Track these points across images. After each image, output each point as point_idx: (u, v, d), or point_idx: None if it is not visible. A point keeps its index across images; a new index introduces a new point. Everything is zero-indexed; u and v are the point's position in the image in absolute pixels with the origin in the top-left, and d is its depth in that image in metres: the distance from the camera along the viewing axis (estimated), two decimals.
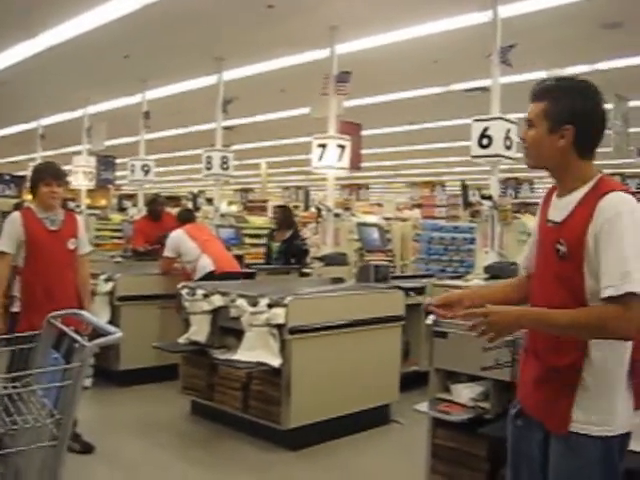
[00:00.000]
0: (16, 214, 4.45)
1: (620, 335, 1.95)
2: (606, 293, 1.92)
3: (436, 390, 3.79)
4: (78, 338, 2.15)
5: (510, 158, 6.20)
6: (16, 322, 4.24)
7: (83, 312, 2.59)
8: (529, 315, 2.10)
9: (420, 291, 6.35)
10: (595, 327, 1.95)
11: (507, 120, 6.18)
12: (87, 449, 4.59)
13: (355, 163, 8.55)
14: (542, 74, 6.68)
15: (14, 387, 2.27)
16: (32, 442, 2.12)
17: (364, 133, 9.26)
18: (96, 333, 2.21)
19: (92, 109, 12.90)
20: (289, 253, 8.31)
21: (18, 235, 4.34)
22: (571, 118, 2.04)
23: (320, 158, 7.83)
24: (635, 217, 1.96)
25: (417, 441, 4.11)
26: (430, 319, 3.74)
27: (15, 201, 11.07)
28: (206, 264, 6.49)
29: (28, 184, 5.27)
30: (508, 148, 6.15)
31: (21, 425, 2.14)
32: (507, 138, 6.12)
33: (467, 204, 12.34)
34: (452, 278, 7.17)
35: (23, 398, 2.25)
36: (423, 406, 3.81)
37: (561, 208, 2.11)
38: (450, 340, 3.64)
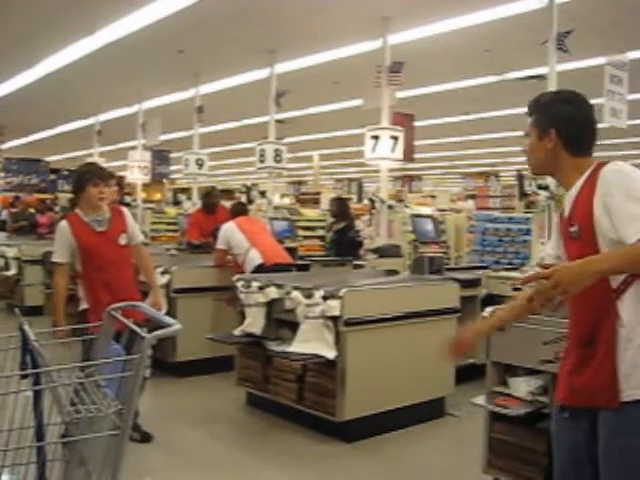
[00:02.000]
0: (64, 224, 4.52)
1: None
2: (636, 237, 2.01)
3: (493, 383, 3.75)
4: (138, 330, 2.19)
5: None
6: (85, 320, 4.35)
7: (142, 304, 2.64)
8: (595, 259, 2.08)
9: (475, 283, 6.27)
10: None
11: None
12: (146, 438, 4.69)
13: (408, 154, 8.49)
14: (600, 60, 6.49)
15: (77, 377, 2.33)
16: (95, 431, 2.17)
17: (417, 124, 9.19)
18: (155, 324, 2.25)
19: (147, 104, 13.10)
20: (342, 244, 8.31)
21: (69, 243, 4.46)
22: (553, 122, 2.33)
23: (373, 150, 7.80)
24: (636, 171, 2.14)
25: (473, 435, 4.08)
26: (487, 311, 3.69)
27: (70, 196, 11.24)
28: (255, 257, 6.53)
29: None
30: None
31: (84, 414, 2.18)
32: None
33: (523, 194, 12.13)
34: (508, 270, 7.08)
35: (86, 388, 2.30)
36: (480, 399, 3.76)
37: (569, 200, 2.31)
38: (508, 333, 3.57)
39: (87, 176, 4.52)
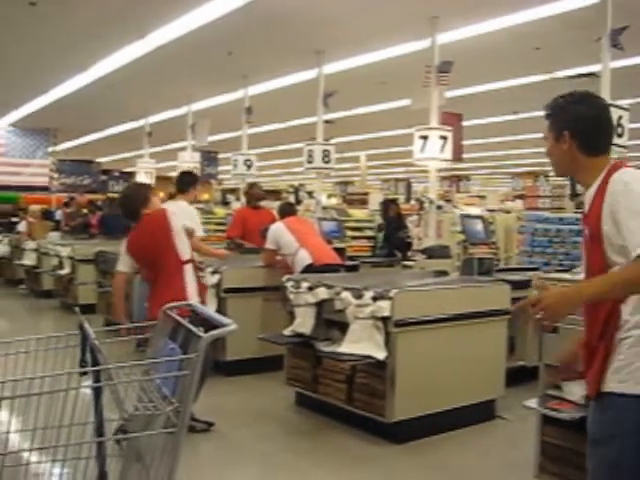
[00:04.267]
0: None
1: None
2: (637, 252, 2.05)
3: (546, 386, 3.70)
4: (194, 329, 2.22)
5: (621, 146, 5.96)
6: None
7: (196, 304, 2.68)
8: (582, 285, 2.26)
9: (526, 285, 6.19)
10: (631, 280, 2.09)
11: (618, 107, 5.93)
12: (209, 425, 4.94)
13: (457, 154, 8.44)
14: None
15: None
16: (152, 428, 2.21)
17: (465, 124, 9.12)
18: (209, 324, 2.28)
19: (196, 106, 13.26)
20: (391, 244, 8.31)
21: None
22: (566, 124, 2.37)
23: (422, 150, 7.76)
24: None
25: (524, 438, 4.04)
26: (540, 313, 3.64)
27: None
28: (304, 257, 6.54)
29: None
30: (619, 136, 5.91)
31: (142, 412, 2.23)
32: (619, 126, 5.88)
33: (574, 195, 11.93)
34: (559, 271, 6.97)
35: (143, 386, 2.34)
36: (532, 402, 3.72)
37: (587, 200, 2.35)
38: (561, 335, 3.53)
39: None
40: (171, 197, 6.84)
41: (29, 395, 2.07)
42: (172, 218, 4.71)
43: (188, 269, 4.70)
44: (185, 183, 6.53)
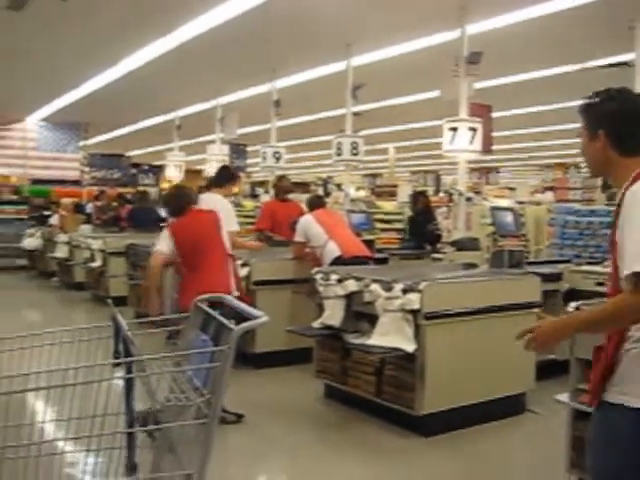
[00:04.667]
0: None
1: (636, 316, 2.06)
2: (623, 274, 2.05)
3: (577, 380, 3.66)
4: (225, 321, 2.24)
5: None
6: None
7: (228, 296, 2.70)
8: (574, 316, 2.41)
9: (557, 277, 6.14)
10: (613, 315, 2.10)
11: None
12: (239, 417, 5.00)
13: (486, 146, 8.36)
14: None
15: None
16: (184, 419, 2.24)
17: (494, 115, 9.03)
18: (240, 316, 2.30)
19: (224, 99, 13.30)
20: (420, 236, 8.28)
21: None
22: (600, 122, 2.29)
23: (451, 141, 7.71)
24: None
25: (554, 433, 4.00)
26: (571, 306, 3.61)
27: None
28: (333, 249, 6.53)
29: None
30: None
31: (174, 402, 2.26)
32: None
33: (606, 186, 11.78)
34: (590, 264, 6.90)
35: (175, 377, 2.37)
36: (564, 396, 3.69)
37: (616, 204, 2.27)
38: None
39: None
40: (206, 189, 6.94)
41: (64, 385, 2.11)
42: (220, 217, 5.19)
43: (230, 262, 5.12)
44: (223, 177, 6.71)
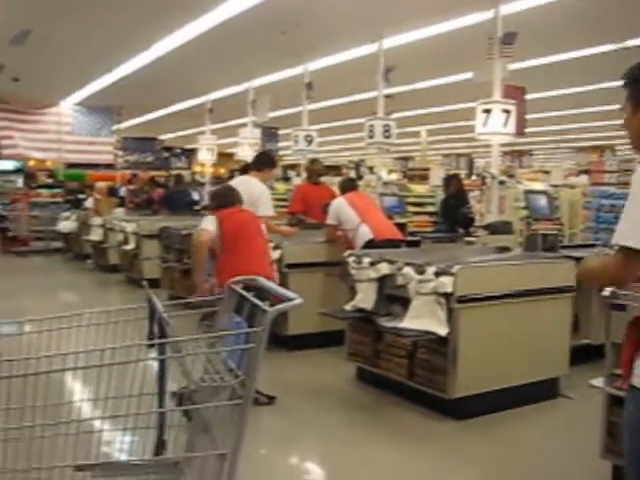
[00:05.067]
0: None
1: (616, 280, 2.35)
2: (614, 241, 2.14)
3: (613, 365, 3.62)
4: (259, 303, 2.26)
5: None
6: None
7: (260, 278, 2.71)
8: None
9: None
10: (599, 271, 2.28)
11: None
12: (271, 399, 5.03)
13: (519, 129, 8.25)
14: None
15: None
16: (218, 399, 2.26)
17: (528, 97, 8.91)
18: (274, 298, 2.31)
19: (256, 82, 13.29)
20: (453, 219, 8.23)
21: None
22: None
23: (485, 124, 7.61)
24: None
25: (588, 418, 3.97)
26: (607, 291, 3.57)
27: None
28: (365, 232, 6.52)
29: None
30: None
31: (209, 383, 2.28)
32: None
33: None
34: None
35: (209, 358, 2.39)
36: (599, 381, 3.66)
37: None
38: (629, 313, 3.45)
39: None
40: (243, 172, 6.99)
41: (101, 366, 2.14)
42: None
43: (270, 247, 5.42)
44: (263, 162, 6.72)
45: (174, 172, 19.23)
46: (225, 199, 5.27)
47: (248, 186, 6.10)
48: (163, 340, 2.39)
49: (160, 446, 2.54)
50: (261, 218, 5.60)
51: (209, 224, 5.04)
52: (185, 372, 2.30)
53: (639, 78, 2.25)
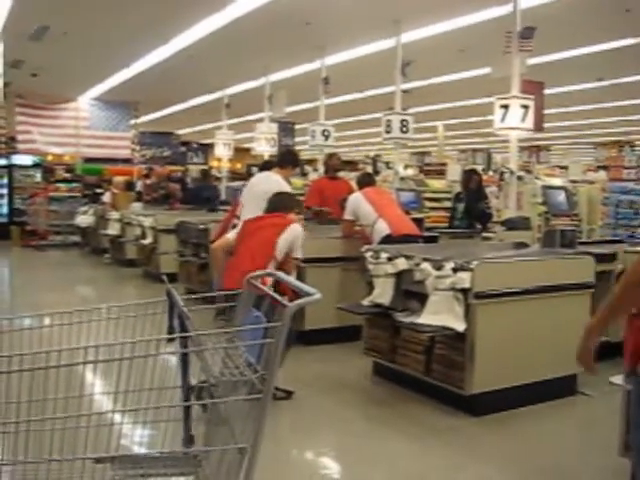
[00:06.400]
0: None
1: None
2: None
3: None
4: (279, 298, 2.25)
5: None
6: None
7: (279, 273, 2.71)
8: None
9: (611, 257, 6.01)
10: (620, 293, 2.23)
11: None
12: (289, 394, 5.02)
13: (537, 124, 8.22)
14: None
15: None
16: (238, 394, 2.27)
17: (547, 92, 8.85)
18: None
19: (273, 77, 13.30)
20: (471, 215, 8.20)
21: None
22: None
23: (503, 119, 7.60)
24: None
25: (607, 415, 3.95)
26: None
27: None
28: (382, 228, 6.50)
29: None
30: None
31: (228, 378, 2.29)
32: None
33: None
34: None
35: (228, 353, 2.40)
36: (618, 379, 3.62)
37: None
38: None
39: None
40: (266, 168, 6.98)
41: (122, 359, 2.15)
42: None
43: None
44: (287, 161, 6.79)
45: (192, 167, 19.29)
46: (273, 205, 5.27)
47: (270, 183, 6.12)
48: (185, 334, 2.39)
49: (188, 440, 2.55)
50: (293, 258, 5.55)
51: (232, 233, 5.19)
52: (205, 366, 2.31)
53: None
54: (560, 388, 5.15)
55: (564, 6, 8.41)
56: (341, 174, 8.77)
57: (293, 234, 4.99)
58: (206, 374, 2.34)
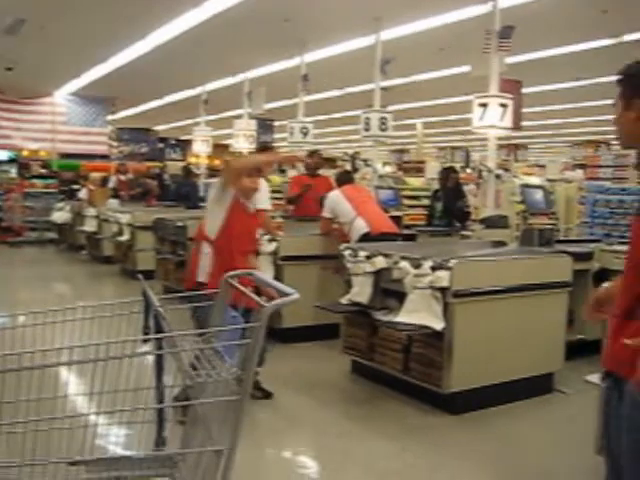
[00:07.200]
0: None
1: None
2: None
3: None
4: (257, 298, 2.23)
5: None
6: None
7: (257, 272, 2.68)
8: None
9: (588, 256, 6.05)
10: None
11: None
12: (267, 395, 4.97)
13: (516, 122, 8.25)
14: None
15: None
16: (214, 395, 2.24)
17: (524, 91, 8.90)
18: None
19: (252, 74, 13.25)
20: (449, 213, 8.23)
21: None
22: (637, 92, 2.20)
23: (481, 118, 7.62)
24: None
25: (583, 413, 3.98)
26: (603, 287, 3.55)
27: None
28: (361, 226, 6.50)
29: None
30: None
31: (205, 379, 2.26)
32: None
33: (639, 165, 11.59)
34: (621, 243, 6.79)
35: (205, 354, 2.37)
36: (594, 377, 3.65)
37: None
38: None
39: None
40: None
41: (97, 360, 2.11)
42: None
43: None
44: None
45: (170, 163, 19.16)
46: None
47: None
48: (160, 335, 2.36)
49: (159, 442, 2.52)
50: (258, 212, 5.53)
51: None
52: (181, 367, 2.28)
53: (632, 76, 2.26)
54: (537, 386, 5.18)
55: (543, 6, 8.46)
56: (321, 171, 8.75)
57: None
58: (182, 375, 2.31)
